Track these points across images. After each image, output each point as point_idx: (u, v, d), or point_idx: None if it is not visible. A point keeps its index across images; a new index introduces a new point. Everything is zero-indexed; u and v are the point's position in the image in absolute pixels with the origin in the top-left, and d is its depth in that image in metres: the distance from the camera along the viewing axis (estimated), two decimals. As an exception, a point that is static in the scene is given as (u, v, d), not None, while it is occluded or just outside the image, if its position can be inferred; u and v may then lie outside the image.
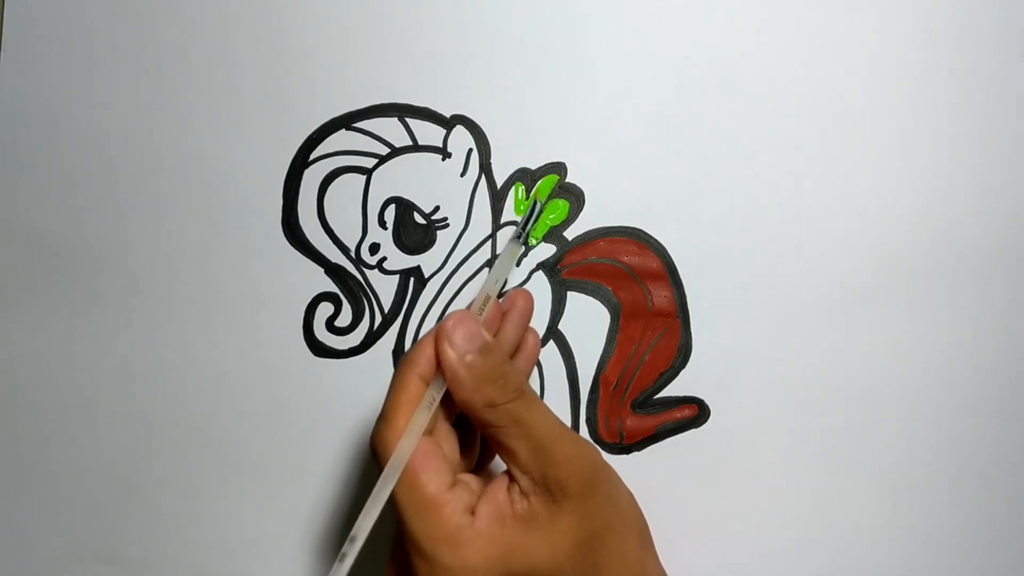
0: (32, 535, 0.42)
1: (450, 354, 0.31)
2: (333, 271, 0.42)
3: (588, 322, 0.42)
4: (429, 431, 0.32)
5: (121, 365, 0.42)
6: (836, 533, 0.42)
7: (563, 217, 0.42)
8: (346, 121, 0.42)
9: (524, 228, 0.38)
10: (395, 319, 0.42)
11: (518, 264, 0.42)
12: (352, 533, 0.30)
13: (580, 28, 0.42)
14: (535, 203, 0.40)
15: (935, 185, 0.42)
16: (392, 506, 0.31)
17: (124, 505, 0.43)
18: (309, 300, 0.42)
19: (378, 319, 0.42)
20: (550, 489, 0.31)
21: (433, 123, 0.42)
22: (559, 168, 0.42)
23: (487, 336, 0.32)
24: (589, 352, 0.42)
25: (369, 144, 0.42)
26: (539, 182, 0.42)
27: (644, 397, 0.42)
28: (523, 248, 0.36)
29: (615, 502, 0.33)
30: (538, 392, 0.42)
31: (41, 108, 0.42)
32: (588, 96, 0.42)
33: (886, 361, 0.42)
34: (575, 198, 0.42)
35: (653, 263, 0.42)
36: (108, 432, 0.42)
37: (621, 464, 0.42)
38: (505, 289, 0.41)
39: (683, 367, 0.42)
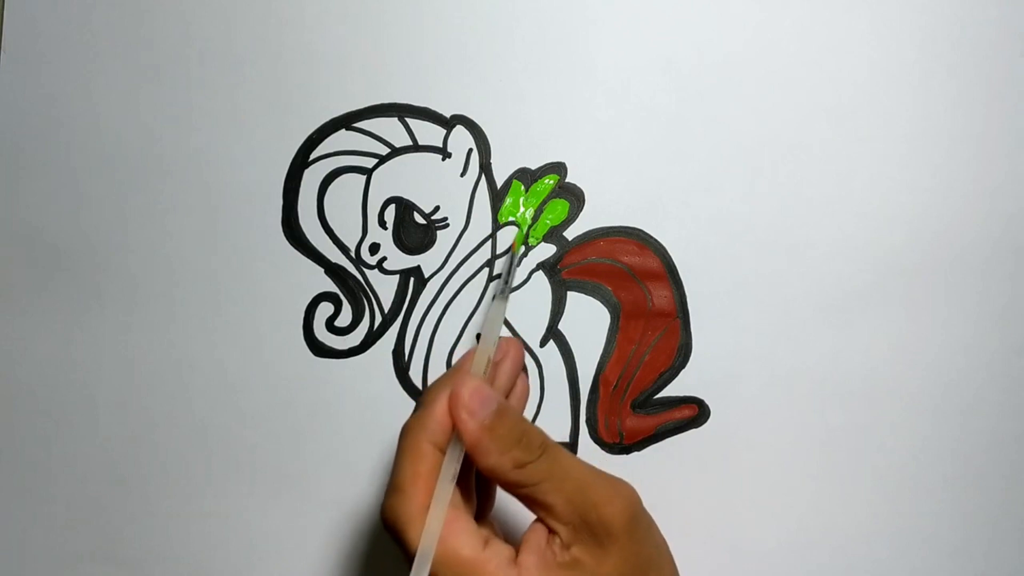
0: (32, 535, 0.42)
1: (470, 424, 0.31)
2: (333, 271, 0.42)
3: (588, 322, 0.42)
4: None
5: (121, 365, 0.42)
6: (836, 532, 0.42)
7: (563, 217, 0.42)
8: (346, 121, 0.42)
9: (506, 283, 0.38)
10: (395, 319, 0.42)
11: (518, 264, 0.42)
12: None
13: (580, 28, 0.42)
14: (511, 255, 0.40)
15: (935, 185, 0.42)
16: None
17: (124, 505, 0.43)
18: (309, 300, 0.42)
19: (378, 319, 0.42)
20: (595, 532, 0.31)
21: (433, 123, 0.42)
22: (559, 168, 0.42)
23: (500, 398, 0.32)
24: (589, 352, 0.42)
25: (369, 144, 0.42)
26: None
27: (644, 397, 0.42)
28: (506, 303, 0.35)
29: (655, 537, 0.33)
30: (538, 393, 0.42)
31: (41, 108, 0.42)
32: (588, 96, 0.42)
33: (885, 360, 0.42)
34: (575, 198, 0.42)
35: (653, 263, 0.42)
36: (108, 432, 0.42)
37: (621, 464, 0.42)
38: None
39: (683, 367, 0.42)
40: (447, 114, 0.42)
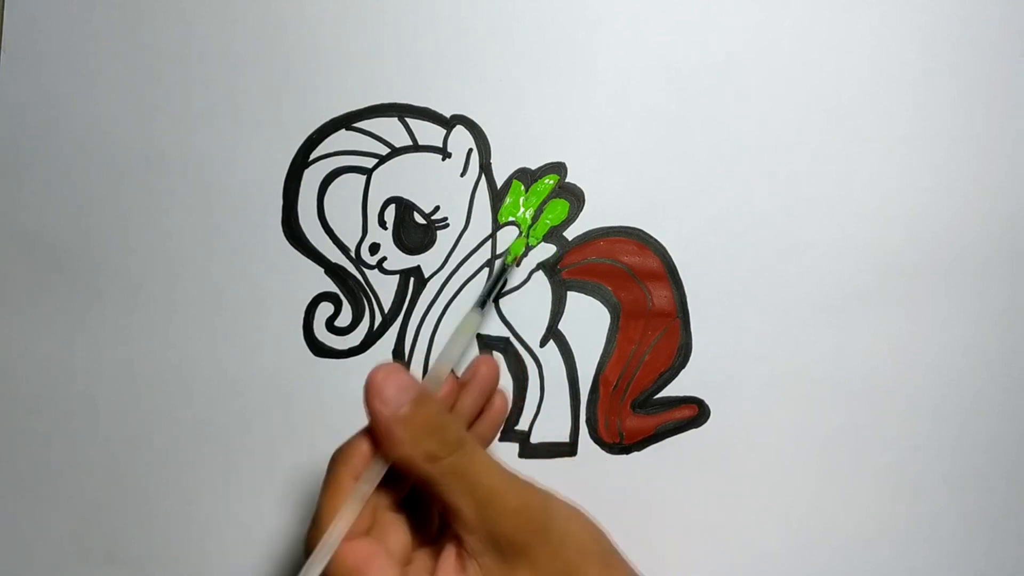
0: (32, 535, 0.42)
1: (382, 410, 0.29)
2: (333, 271, 0.42)
3: (588, 322, 0.42)
4: (366, 531, 0.31)
5: (121, 365, 0.42)
6: (836, 532, 0.42)
7: (563, 217, 0.42)
8: (346, 121, 0.42)
9: (488, 295, 0.37)
10: (395, 319, 0.42)
11: (518, 265, 0.42)
12: None
13: (580, 28, 0.42)
14: (503, 266, 0.40)
15: (935, 185, 0.42)
16: None
17: (124, 505, 0.43)
18: (309, 300, 0.42)
19: (378, 319, 0.42)
20: (500, 546, 0.29)
21: (433, 123, 0.42)
22: (559, 168, 0.42)
23: (421, 386, 0.31)
24: (589, 352, 0.42)
25: (369, 144, 0.42)
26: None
27: (644, 397, 0.42)
28: (482, 318, 0.34)
29: (570, 539, 0.31)
30: (538, 392, 0.42)
31: (41, 108, 0.42)
32: (588, 96, 0.42)
33: (885, 360, 0.42)
34: (575, 198, 0.42)
35: (653, 263, 0.42)
36: (108, 432, 0.42)
37: (621, 464, 0.42)
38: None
39: (683, 367, 0.42)
40: (447, 114, 0.42)
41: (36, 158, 0.42)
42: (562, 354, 0.42)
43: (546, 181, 0.42)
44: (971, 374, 0.42)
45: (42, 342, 0.42)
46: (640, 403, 0.42)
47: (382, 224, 0.42)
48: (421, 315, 0.42)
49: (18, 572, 0.42)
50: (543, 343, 0.42)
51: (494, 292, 0.37)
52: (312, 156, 0.42)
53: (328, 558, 0.29)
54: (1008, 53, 0.42)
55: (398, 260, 0.42)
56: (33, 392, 0.42)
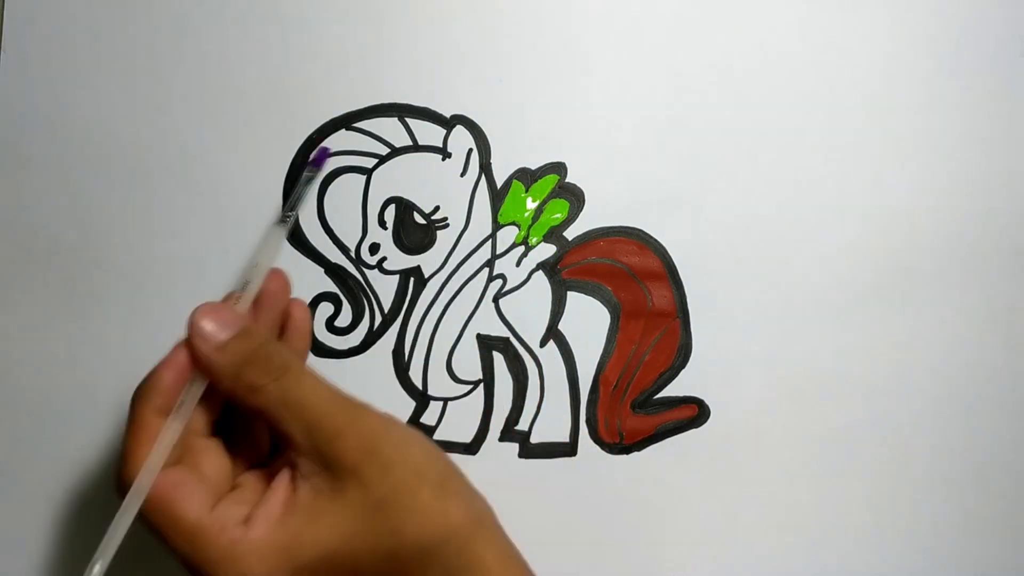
0: (32, 535, 0.42)
1: (202, 347, 0.30)
2: (333, 271, 0.42)
3: (588, 322, 0.42)
4: (177, 460, 0.31)
5: (121, 365, 0.42)
6: (836, 532, 0.42)
7: (563, 217, 0.42)
8: (346, 121, 0.42)
9: (292, 208, 0.35)
10: (395, 319, 0.42)
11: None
12: (95, 557, 0.30)
13: (580, 28, 0.42)
14: (304, 177, 0.38)
15: (935, 185, 0.42)
16: (166, 548, 0.30)
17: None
18: (309, 300, 0.42)
19: (378, 319, 0.42)
20: (330, 466, 0.30)
21: (433, 123, 0.42)
22: (559, 168, 0.42)
23: (241, 319, 0.31)
24: (589, 352, 0.42)
25: (369, 144, 0.42)
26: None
27: (644, 397, 0.42)
28: (286, 230, 0.33)
29: (403, 459, 0.31)
30: (538, 392, 0.42)
31: (41, 108, 0.42)
32: (588, 96, 0.42)
33: (886, 361, 0.42)
34: (575, 198, 0.42)
35: (653, 263, 0.42)
36: (108, 432, 0.42)
37: (621, 464, 0.42)
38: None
39: (683, 367, 0.42)
40: (447, 114, 0.42)
41: (36, 157, 0.42)
42: (562, 354, 0.42)
43: (546, 181, 0.42)
44: (972, 374, 0.42)
45: (42, 341, 0.42)
46: (640, 403, 0.42)
47: (382, 224, 0.42)
48: (421, 315, 0.42)
49: (18, 572, 0.42)
50: (543, 343, 0.42)
51: (296, 202, 0.35)
52: (312, 156, 0.42)
53: (142, 500, 0.29)
54: (1009, 54, 0.42)
55: (398, 260, 0.42)
56: (33, 392, 0.42)
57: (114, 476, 0.31)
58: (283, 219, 0.33)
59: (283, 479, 0.31)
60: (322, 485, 0.30)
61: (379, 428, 0.31)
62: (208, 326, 0.31)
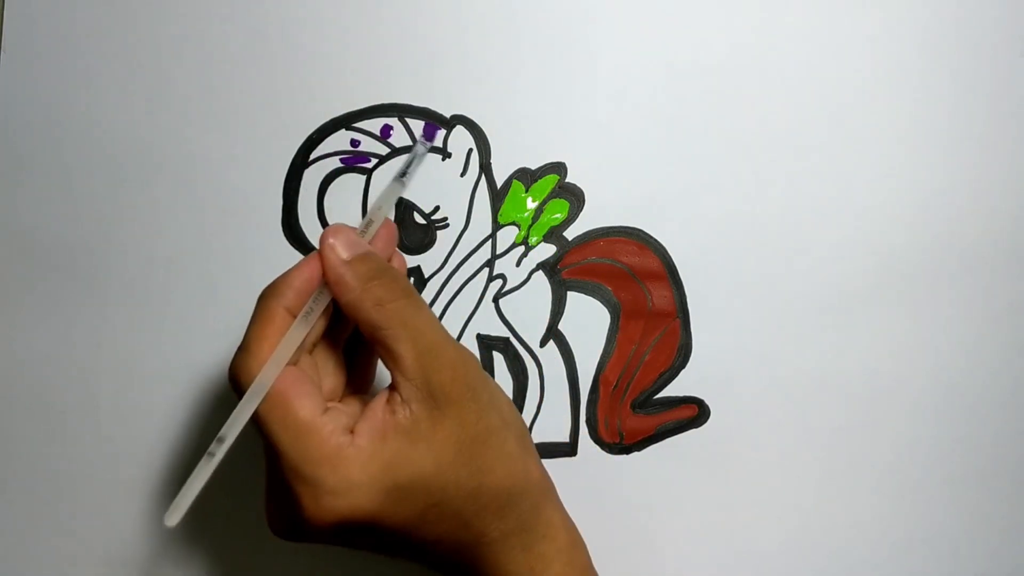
0: (32, 536, 0.42)
1: (333, 257, 0.31)
2: (333, 271, 0.42)
3: (588, 322, 0.42)
4: (295, 362, 0.32)
5: (121, 365, 0.42)
6: (836, 533, 0.42)
7: (563, 217, 0.42)
8: (346, 121, 0.42)
9: (406, 170, 0.35)
10: (395, 319, 0.42)
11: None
12: (220, 434, 0.30)
13: (580, 28, 0.42)
14: (416, 145, 0.39)
15: (935, 185, 0.42)
16: (266, 440, 0.31)
17: (125, 505, 0.43)
18: (309, 300, 0.42)
19: (378, 319, 0.42)
20: (433, 395, 0.31)
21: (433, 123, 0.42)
22: (559, 168, 0.42)
23: (367, 245, 0.32)
24: (589, 352, 0.42)
25: (369, 144, 0.42)
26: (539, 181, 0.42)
27: (644, 397, 0.42)
28: (404, 188, 0.34)
29: (497, 407, 0.33)
30: (538, 392, 0.42)
31: (41, 108, 0.42)
32: (588, 96, 0.42)
33: (886, 361, 0.42)
34: (575, 198, 0.42)
35: (653, 263, 0.42)
36: (108, 432, 0.42)
37: (621, 464, 0.42)
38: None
39: (683, 367, 0.42)
40: (447, 114, 0.42)
41: (35, 158, 0.42)
42: (562, 354, 0.42)
43: (546, 181, 0.42)
44: (972, 375, 0.42)
45: (42, 341, 0.42)
46: (640, 403, 0.42)
47: (382, 224, 0.42)
48: (421, 315, 0.42)
49: (18, 572, 0.42)
50: (543, 343, 0.42)
51: (413, 166, 0.35)
52: (312, 156, 0.42)
53: (266, 390, 0.30)
54: (1008, 54, 0.42)
55: (398, 260, 0.42)
56: (33, 392, 0.42)
57: (233, 365, 0.31)
58: (402, 175, 0.34)
59: (379, 401, 0.32)
60: (421, 412, 0.31)
61: (479, 373, 0.33)
62: (340, 242, 0.32)
